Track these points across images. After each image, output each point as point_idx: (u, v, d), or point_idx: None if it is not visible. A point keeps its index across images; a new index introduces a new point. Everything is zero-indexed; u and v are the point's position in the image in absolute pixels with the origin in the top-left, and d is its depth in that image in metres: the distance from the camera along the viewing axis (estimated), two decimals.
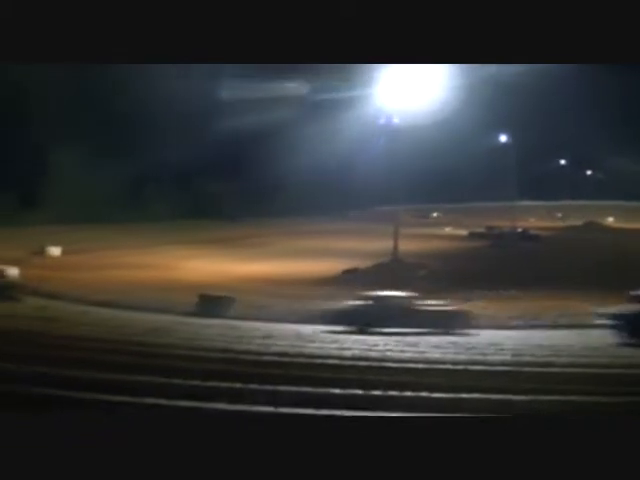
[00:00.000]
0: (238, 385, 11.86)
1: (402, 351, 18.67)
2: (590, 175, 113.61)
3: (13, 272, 45.18)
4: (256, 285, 44.72)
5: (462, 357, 17.45)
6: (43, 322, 23.83)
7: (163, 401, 10.38)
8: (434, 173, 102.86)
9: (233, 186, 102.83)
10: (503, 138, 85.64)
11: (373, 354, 17.60)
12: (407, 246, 56.81)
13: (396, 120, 54.81)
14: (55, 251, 64.85)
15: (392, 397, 11.08)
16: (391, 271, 48.18)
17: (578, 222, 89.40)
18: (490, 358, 17.30)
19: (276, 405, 10.00)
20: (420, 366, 15.20)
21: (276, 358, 16.15)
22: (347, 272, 50.33)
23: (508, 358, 17.63)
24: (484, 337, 24.94)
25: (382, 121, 56.68)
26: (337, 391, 11.40)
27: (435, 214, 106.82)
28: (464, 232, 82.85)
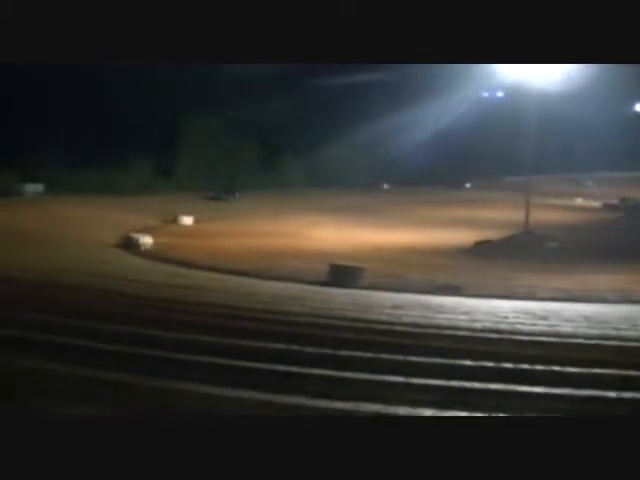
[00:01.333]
0: (369, 354, 11.99)
1: (533, 324, 18.47)
2: None
3: (147, 240, 46.76)
4: (386, 254, 44.84)
5: (595, 332, 17.13)
6: (178, 289, 24.57)
7: (294, 369, 10.55)
8: (581, 140, 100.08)
9: (365, 155, 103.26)
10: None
11: (503, 326, 17.49)
12: (540, 217, 55.92)
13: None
14: (187, 220, 66.64)
15: (524, 370, 11.02)
16: (522, 243, 47.56)
17: None
18: (624, 333, 16.92)
19: (407, 376, 10.11)
20: (551, 339, 15.02)
21: (406, 328, 16.22)
22: (479, 243, 49.97)
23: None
24: (618, 311, 24.50)
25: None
26: (468, 363, 11.42)
27: (589, 183, 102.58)
28: (597, 204, 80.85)
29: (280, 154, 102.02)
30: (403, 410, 8.13)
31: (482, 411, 8.13)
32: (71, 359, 10.37)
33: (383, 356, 11.87)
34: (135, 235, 48.32)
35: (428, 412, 8.07)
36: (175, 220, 66.23)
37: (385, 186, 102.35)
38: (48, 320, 13.83)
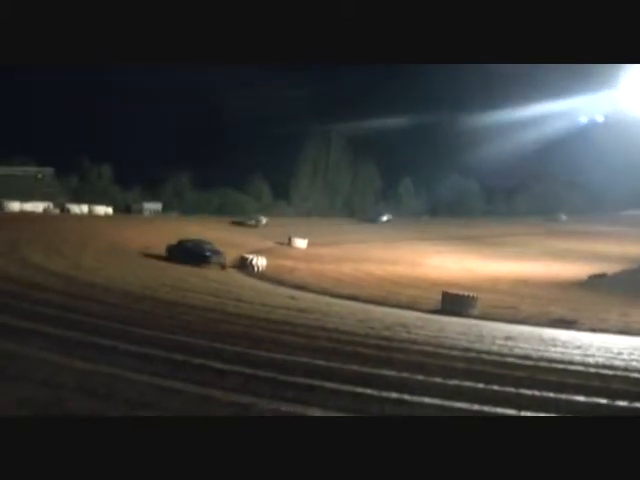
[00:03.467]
0: (480, 385, 12.13)
1: None
2: None
3: (262, 262, 47.49)
4: (500, 285, 44.50)
5: None
6: (295, 312, 24.97)
7: (406, 397, 10.76)
8: None
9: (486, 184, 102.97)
10: None
11: (617, 362, 17.31)
12: None
13: None
14: (301, 243, 67.35)
15: (636, 408, 10.98)
16: (638, 278, 46.56)
17: None
18: None
19: (519, 408, 10.22)
20: None
21: (518, 360, 16.24)
22: (594, 277, 49.17)
23: None
24: None
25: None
26: (581, 399, 11.44)
27: None
28: None
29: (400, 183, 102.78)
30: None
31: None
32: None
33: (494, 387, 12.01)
34: (250, 256, 49.16)
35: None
36: (289, 242, 67.07)
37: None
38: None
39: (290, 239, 67.46)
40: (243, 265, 47.49)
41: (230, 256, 48.89)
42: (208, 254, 45.61)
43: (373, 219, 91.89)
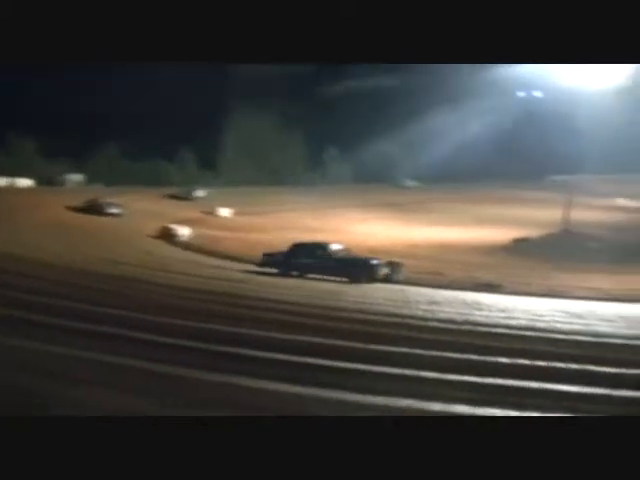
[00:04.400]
0: (404, 349, 12.15)
1: (569, 323, 18.51)
2: None
3: (185, 232, 47.19)
4: (424, 251, 44.87)
5: (632, 332, 17.13)
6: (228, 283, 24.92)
7: (340, 363, 10.68)
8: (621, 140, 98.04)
9: (406, 150, 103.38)
10: None
11: (540, 324, 17.56)
12: (581, 216, 55.61)
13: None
14: (225, 212, 66.86)
15: (557, 369, 11.11)
16: (561, 242, 47.41)
17: None
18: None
19: (443, 371, 10.25)
20: (587, 339, 15.08)
21: (442, 325, 16.36)
22: (518, 241, 49.91)
23: None
24: None
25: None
26: (505, 360, 11.53)
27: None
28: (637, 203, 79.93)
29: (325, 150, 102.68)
30: (437, 406, 8.27)
31: (514, 409, 8.24)
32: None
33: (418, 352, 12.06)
34: (173, 226, 48.74)
35: (462, 409, 8.18)
36: (213, 212, 66.36)
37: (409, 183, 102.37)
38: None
39: (214, 209, 66.72)
40: (166, 235, 47.05)
41: (152, 227, 48.44)
42: (375, 263, 32.46)
43: (186, 195, 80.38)
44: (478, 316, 18.98)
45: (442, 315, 18.46)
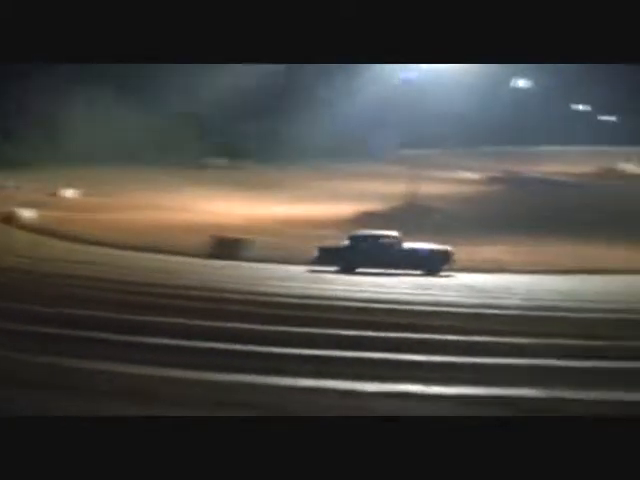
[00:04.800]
0: (256, 326, 12.09)
1: (413, 294, 18.93)
2: (608, 120, 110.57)
3: (29, 214, 45.60)
4: (276, 227, 44.97)
5: (475, 300, 17.67)
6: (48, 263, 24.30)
7: (166, 341, 10.56)
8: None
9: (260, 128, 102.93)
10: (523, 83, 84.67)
11: (386, 297, 17.86)
12: (427, 189, 56.82)
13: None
14: (69, 193, 64.70)
15: (405, 339, 11.28)
16: (407, 215, 48.33)
17: (596, 168, 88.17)
18: (504, 302, 17.50)
19: (288, 345, 10.24)
20: (432, 309, 15.43)
21: (290, 300, 16.44)
22: (367, 215, 50.67)
23: (520, 302, 17.71)
24: (498, 281, 25.37)
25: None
26: (351, 333, 11.63)
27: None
28: (480, 176, 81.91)
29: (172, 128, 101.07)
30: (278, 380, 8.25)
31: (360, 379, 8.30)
32: None
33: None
34: (17, 209, 47.12)
35: (307, 382, 8.15)
36: (56, 194, 63.96)
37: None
38: None
39: (57, 190, 64.30)
40: (9, 219, 45.39)
41: None
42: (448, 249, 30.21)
43: None
44: (327, 290, 19.18)
45: (288, 291, 18.55)
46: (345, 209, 54.30)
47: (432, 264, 28.87)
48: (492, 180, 76.99)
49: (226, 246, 32.15)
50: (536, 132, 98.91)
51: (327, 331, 11.74)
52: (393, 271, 27.95)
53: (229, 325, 12.16)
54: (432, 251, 30.00)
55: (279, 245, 35.30)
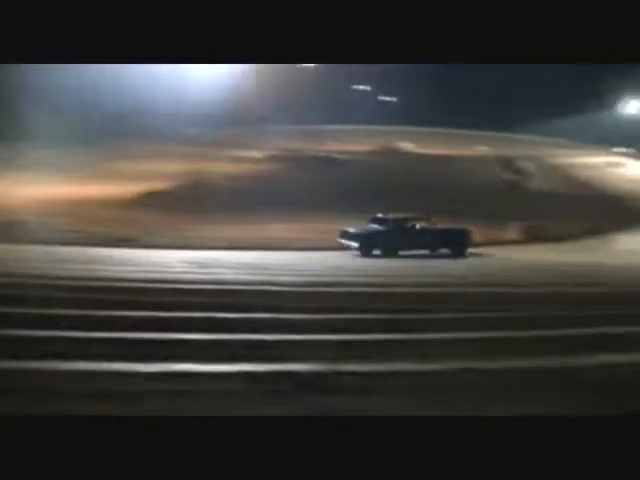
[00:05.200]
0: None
1: (197, 272, 19.19)
2: (383, 101, 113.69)
3: None
4: (61, 208, 43.84)
5: (256, 278, 18.03)
6: None
7: None
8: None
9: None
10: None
11: (170, 276, 18.03)
12: (212, 168, 56.82)
13: None
14: None
15: (189, 318, 11.42)
16: (192, 193, 48.32)
17: (376, 146, 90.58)
18: (279, 279, 18.00)
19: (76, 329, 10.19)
20: (212, 287, 15.73)
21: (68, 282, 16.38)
22: (151, 194, 50.27)
23: (297, 279, 18.24)
24: (279, 258, 26.02)
25: None
26: (141, 313, 11.74)
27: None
28: (264, 154, 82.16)
29: None
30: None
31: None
32: None
33: None
34: None
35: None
36: None
37: None
38: None
39: None
40: None
41: None
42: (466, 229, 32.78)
43: None
44: (111, 271, 19.14)
45: (66, 273, 18.42)
46: (131, 189, 53.55)
47: (459, 248, 31.31)
48: (276, 158, 77.41)
49: (15, 229, 31.14)
50: (319, 111, 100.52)
51: (111, 313, 11.72)
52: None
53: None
54: (459, 232, 32.29)
55: (67, 226, 34.51)
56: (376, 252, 30.81)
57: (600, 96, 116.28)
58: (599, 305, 13.89)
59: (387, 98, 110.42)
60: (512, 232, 38.98)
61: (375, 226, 32.13)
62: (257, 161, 77.10)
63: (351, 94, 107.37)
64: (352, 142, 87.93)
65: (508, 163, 70.18)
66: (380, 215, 33.35)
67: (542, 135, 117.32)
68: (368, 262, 27.29)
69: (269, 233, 34.94)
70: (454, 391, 6.62)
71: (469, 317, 12.04)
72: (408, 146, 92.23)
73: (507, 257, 31.23)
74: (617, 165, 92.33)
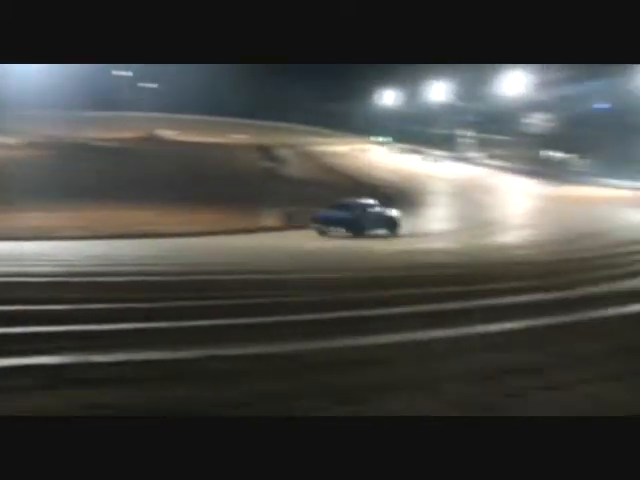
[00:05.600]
0: None
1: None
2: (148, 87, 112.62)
3: None
4: None
5: (10, 269, 17.63)
6: None
7: None
8: None
9: None
10: None
11: None
12: None
13: None
14: None
15: None
16: None
17: (138, 133, 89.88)
18: (29, 270, 17.35)
19: None
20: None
21: None
22: None
23: (57, 269, 17.53)
24: (35, 248, 25.58)
25: None
26: None
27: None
28: (17, 140, 79.26)
29: None
30: None
31: None
32: None
33: None
34: None
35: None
36: None
37: None
38: None
39: None
40: None
41: None
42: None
43: None
44: None
45: None
46: None
47: (396, 228, 37.12)
48: (31, 145, 74.97)
49: None
50: (79, 98, 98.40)
51: None
52: None
53: None
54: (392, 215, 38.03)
55: None
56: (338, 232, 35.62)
57: (363, 89, 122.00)
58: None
59: (148, 85, 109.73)
60: (271, 219, 39.97)
61: (340, 211, 36.69)
62: (11, 148, 74.49)
63: (112, 80, 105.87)
64: (113, 129, 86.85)
65: (266, 151, 71.72)
66: (356, 201, 38.96)
67: (306, 124, 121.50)
68: (127, 249, 27.11)
69: (28, 222, 34.10)
70: (199, 378, 6.86)
71: (221, 304, 12.27)
72: (170, 134, 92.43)
73: (260, 244, 31.93)
74: (364, 152, 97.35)
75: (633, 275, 16.90)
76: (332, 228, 35.86)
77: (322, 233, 35.58)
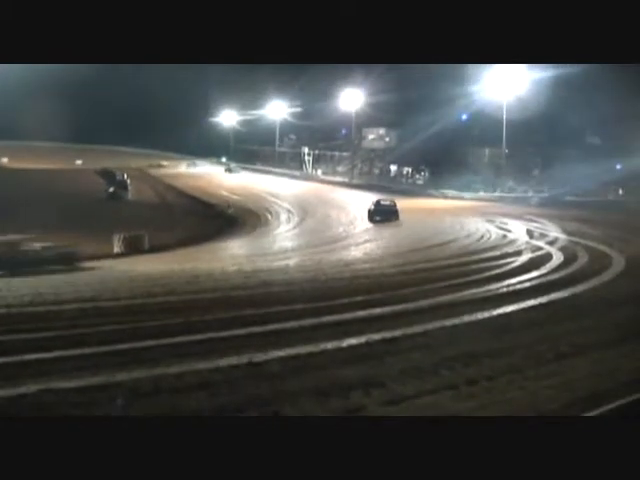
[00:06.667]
0: None
1: None
2: None
3: None
4: None
5: None
6: None
7: None
8: None
9: None
10: None
11: None
12: None
13: None
14: None
15: None
16: None
17: None
18: None
19: None
20: None
21: None
22: None
23: None
24: None
25: None
26: None
27: None
28: None
29: None
30: None
31: None
32: None
33: None
34: None
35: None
36: None
37: None
38: None
39: None
40: None
41: None
42: None
43: None
44: None
45: None
46: None
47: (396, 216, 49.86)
48: None
49: None
50: None
51: None
52: None
53: None
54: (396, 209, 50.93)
55: None
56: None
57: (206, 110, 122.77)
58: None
59: None
60: (113, 244, 39.15)
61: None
62: None
63: None
64: None
65: (109, 176, 70.76)
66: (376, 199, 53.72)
67: (156, 149, 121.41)
68: None
69: None
70: None
71: None
72: (2, 160, 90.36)
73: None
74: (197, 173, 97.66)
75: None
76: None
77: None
